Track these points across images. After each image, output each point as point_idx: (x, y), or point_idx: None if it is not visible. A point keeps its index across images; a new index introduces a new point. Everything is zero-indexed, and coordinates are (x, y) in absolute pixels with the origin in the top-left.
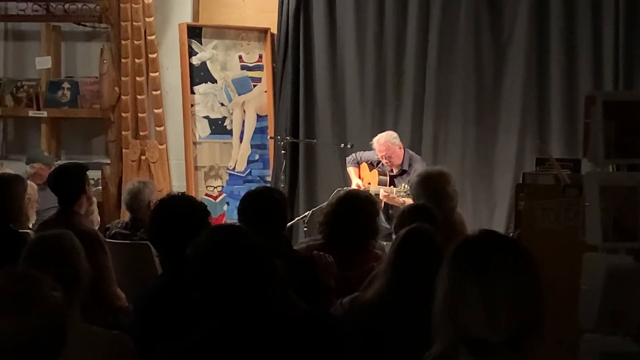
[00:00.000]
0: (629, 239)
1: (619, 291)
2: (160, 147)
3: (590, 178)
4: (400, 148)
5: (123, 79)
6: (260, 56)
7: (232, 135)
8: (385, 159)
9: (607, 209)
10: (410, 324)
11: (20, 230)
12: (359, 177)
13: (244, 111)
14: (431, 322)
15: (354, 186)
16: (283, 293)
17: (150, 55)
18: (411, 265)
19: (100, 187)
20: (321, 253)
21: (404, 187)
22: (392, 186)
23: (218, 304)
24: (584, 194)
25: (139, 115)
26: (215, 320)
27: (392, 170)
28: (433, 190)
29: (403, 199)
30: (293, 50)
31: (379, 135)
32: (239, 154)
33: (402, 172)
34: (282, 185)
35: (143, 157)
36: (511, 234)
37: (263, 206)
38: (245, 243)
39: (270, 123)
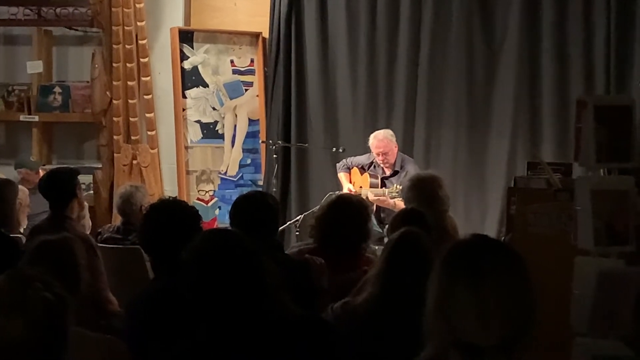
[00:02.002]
0: (620, 243)
1: (611, 295)
2: (151, 151)
3: (582, 182)
4: (396, 147)
5: (114, 83)
6: (252, 60)
7: (223, 139)
8: (382, 155)
9: (599, 213)
10: (402, 329)
11: (11, 235)
12: (350, 182)
13: (236, 115)
14: (423, 326)
15: (345, 191)
16: (277, 297)
17: (141, 60)
18: (403, 271)
19: (91, 192)
20: (312, 256)
21: (396, 187)
22: (383, 188)
23: (212, 308)
24: (575, 198)
25: (131, 119)
26: (209, 324)
27: (384, 172)
28: (425, 194)
29: (394, 200)
30: (285, 55)
31: (377, 132)
32: (231, 158)
33: (394, 173)
34: (274, 190)
35: (135, 162)
36: (503, 238)
37: (255, 210)
38: (240, 247)
39: (262, 127)
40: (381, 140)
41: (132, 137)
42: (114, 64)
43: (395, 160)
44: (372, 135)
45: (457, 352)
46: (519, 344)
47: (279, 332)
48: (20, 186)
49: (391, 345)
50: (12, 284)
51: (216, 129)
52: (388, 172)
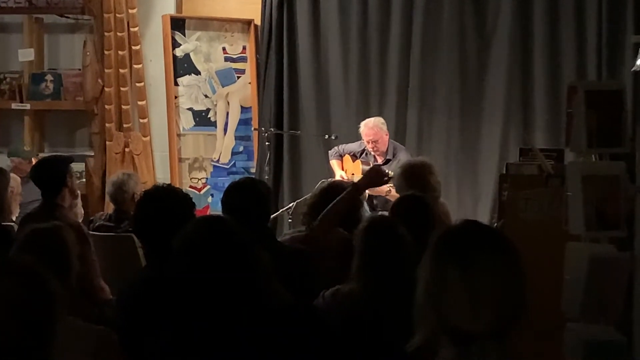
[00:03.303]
0: (611, 228)
1: (602, 280)
2: (144, 139)
3: (573, 168)
4: (386, 135)
5: (106, 71)
6: (244, 47)
7: (216, 127)
8: (372, 143)
9: (590, 198)
10: (391, 316)
11: (3, 223)
12: (342, 169)
13: (228, 103)
14: (413, 312)
15: (337, 178)
16: (268, 284)
17: (133, 47)
18: (378, 258)
19: (83, 180)
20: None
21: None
22: None
23: (203, 295)
24: (566, 183)
25: (123, 107)
26: (200, 311)
27: (375, 160)
28: (416, 181)
29: (387, 186)
30: (277, 42)
31: (367, 120)
32: (223, 146)
33: (386, 162)
34: (266, 177)
35: (127, 149)
36: (495, 224)
37: (247, 198)
38: (231, 234)
39: (255, 115)
40: (371, 128)
41: (124, 125)
42: (106, 52)
43: (387, 149)
44: (362, 123)
45: (448, 338)
46: (510, 330)
47: (269, 319)
48: (12, 174)
49: (382, 333)
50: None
51: (208, 116)
52: (380, 160)
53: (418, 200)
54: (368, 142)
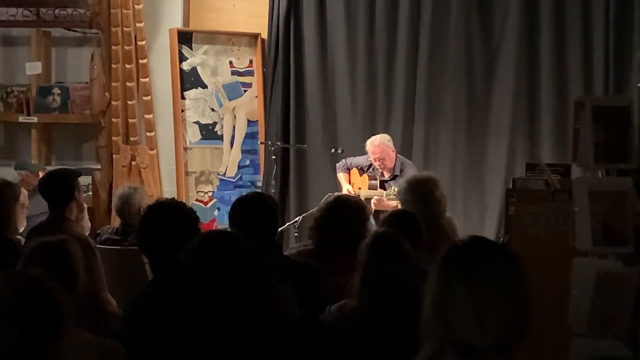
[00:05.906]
0: (618, 244)
1: (609, 295)
2: (150, 152)
3: (580, 183)
4: (393, 151)
5: (113, 84)
6: (251, 61)
7: (222, 140)
8: (379, 161)
9: (597, 213)
10: (397, 331)
11: (10, 237)
12: (349, 183)
13: (235, 116)
14: (417, 328)
15: (344, 192)
16: (273, 299)
17: (140, 61)
18: (382, 273)
19: (90, 193)
20: None
21: (393, 190)
22: (380, 190)
23: (209, 309)
24: (573, 199)
25: (130, 120)
26: (204, 325)
27: (382, 175)
28: (421, 195)
29: (393, 202)
30: (283, 55)
31: (374, 137)
32: (230, 159)
33: (394, 177)
34: (272, 191)
35: (133, 163)
36: (502, 239)
37: (254, 212)
38: (237, 249)
39: (261, 128)
40: (377, 146)
41: (131, 138)
42: (113, 65)
43: (394, 165)
44: (368, 141)
45: (454, 352)
46: (516, 344)
47: (273, 333)
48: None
49: (387, 348)
50: (11, 286)
51: (215, 130)
52: (387, 176)
53: (408, 216)
54: (375, 160)
